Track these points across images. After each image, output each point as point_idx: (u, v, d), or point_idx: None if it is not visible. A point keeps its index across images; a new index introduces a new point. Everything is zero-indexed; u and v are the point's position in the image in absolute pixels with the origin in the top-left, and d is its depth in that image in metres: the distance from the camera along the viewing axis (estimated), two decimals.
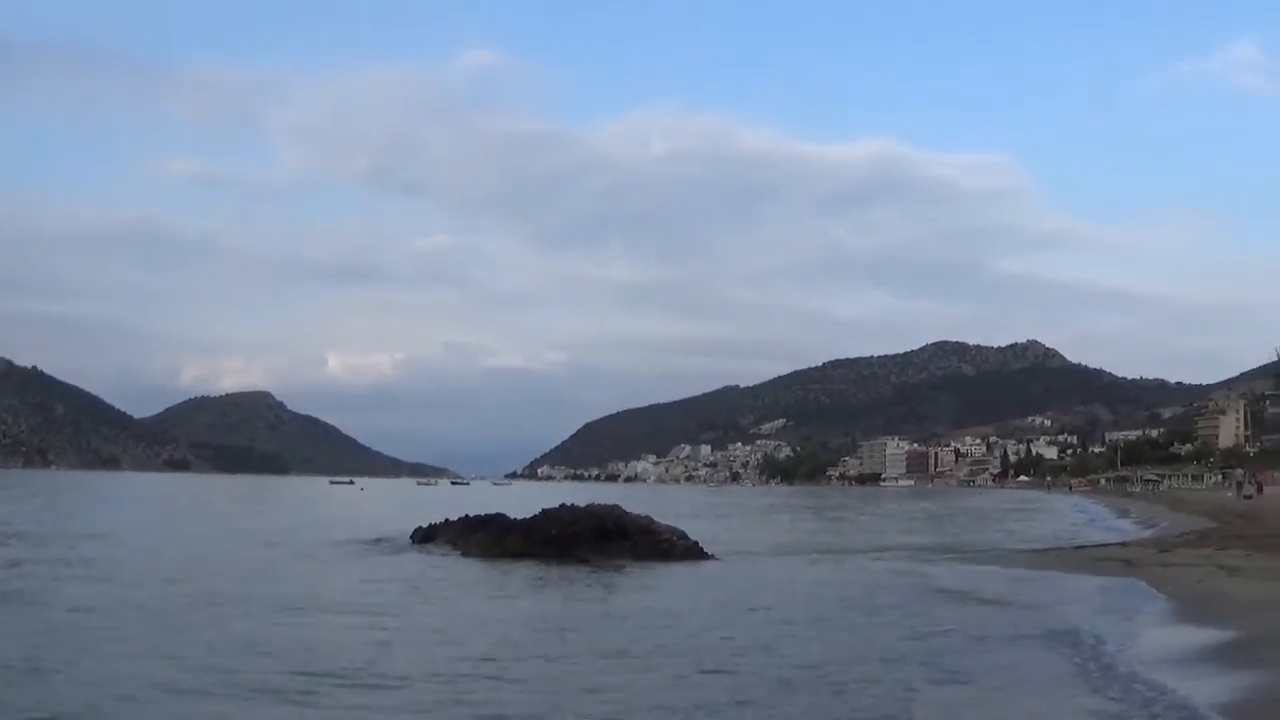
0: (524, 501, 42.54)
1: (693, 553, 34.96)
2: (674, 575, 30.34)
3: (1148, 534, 47.10)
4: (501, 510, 41.04)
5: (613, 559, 33.08)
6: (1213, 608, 19.21)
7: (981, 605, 23.56)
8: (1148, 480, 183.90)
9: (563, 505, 38.29)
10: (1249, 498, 77.66)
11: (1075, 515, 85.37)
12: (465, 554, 35.87)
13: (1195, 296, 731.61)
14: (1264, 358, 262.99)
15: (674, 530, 36.56)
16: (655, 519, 37.19)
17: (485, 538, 36.91)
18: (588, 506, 37.78)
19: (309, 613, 21.84)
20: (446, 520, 41.44)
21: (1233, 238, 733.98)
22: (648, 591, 26.76)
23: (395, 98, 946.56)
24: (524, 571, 30.77)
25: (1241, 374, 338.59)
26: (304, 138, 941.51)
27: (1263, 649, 14.82)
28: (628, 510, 37.16)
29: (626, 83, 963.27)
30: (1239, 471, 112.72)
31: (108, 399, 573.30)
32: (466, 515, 41.13)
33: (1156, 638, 17.42)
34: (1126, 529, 55.87)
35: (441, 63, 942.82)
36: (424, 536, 40.81)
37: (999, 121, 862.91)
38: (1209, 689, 12.77)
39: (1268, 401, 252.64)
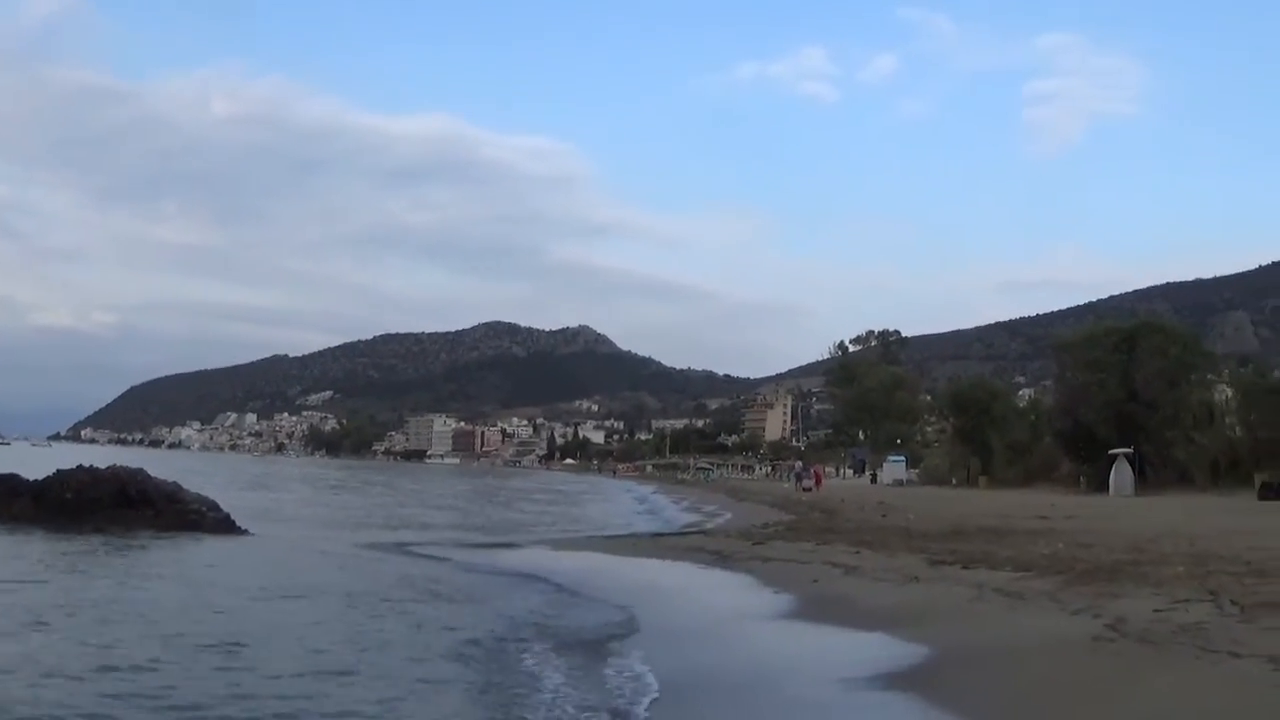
0: (60, 464, 38.43)
1: (224, 525, 32.35)
2: (199, 550, 27.80)
3: (718, 524, 46.25)
4: (36, 472, 36.37)
5: (134, 529, 30.15)
6: (847, 614, 17.33)
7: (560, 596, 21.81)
8: (701, 468, 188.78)
9: (80, 466, 34.50)
10: (808, 490, 79.23)
11: (634, 501, 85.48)
12: None
13: (746, 293, 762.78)
14: (811, 355, 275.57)
15: (204, 500, 33.81)
16: (183, 486, 34.27)
17: None
18: (109, 469, 34.02)
19: None
20: None
21: (784, 240, 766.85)
22: (158, 568, 23.98)
23: None
24: (20, 541, 27.52)
25: (790, 370, 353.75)
26: None
27: (948, 673, 12.56)
28: (155, 476, 33.93)
29: (192, 39, 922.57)
30: (798, 464, 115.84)
31: None
32: None
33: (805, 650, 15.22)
34: (694, 518, 55.03)
35: (12, 6, 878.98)
36: None
37: (562, 108, 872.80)
38: None
39: (814, 398, 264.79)
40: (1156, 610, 14.22)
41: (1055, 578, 18.58)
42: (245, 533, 32.33)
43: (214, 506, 33.57)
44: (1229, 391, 69.32)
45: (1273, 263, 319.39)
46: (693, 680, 13.56)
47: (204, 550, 27.96)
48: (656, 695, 12.57)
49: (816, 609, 18.07)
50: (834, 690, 12.35)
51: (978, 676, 12.29)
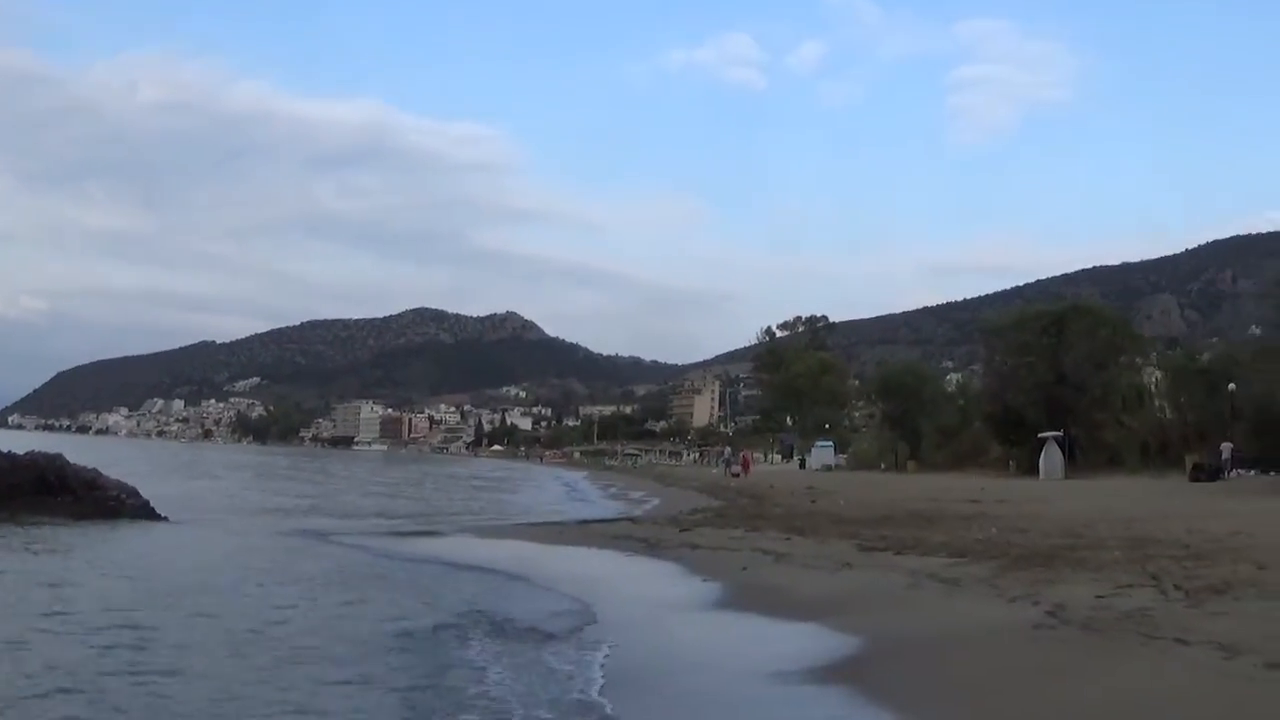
0: None
1: (143, 512, 31.87)
2: (115, 537, 27.43)
3: (646, 510, 45.91)
4: None
5: (53, 516, 29.56)
6: (778, 603, 16.80)
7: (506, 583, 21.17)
8: (629, 455, 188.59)
9: None
10: (736, 475, 79.40)
11: (562, 487, 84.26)
12: None
13: (673, 279, 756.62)
14: (739, 341, 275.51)
15: (124, 487, 33.10)
16: (103, 473, 33.47)
17: None
18: (26, 455, 33.06)
19: None
20: None
21: (713, 226, 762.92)
22: (68, 558, 23.28)
23: None
24: None
25: (717, 356, 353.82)
26: None
27: (884, 665, 12.03)
28: (75, 463, 33.05)
29: (118, 21, 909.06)
30: (727, 450, 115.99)
31: None
32: None
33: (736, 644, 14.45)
34: (622, 505, 54.63)
35: None
36: None
37: (489, 95, 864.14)
38: None
39: (742, 384, 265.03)
40: (1098, 596, 14.00)
41: (991, 563, 18.35)
42: (164, 520, 31.83)
43: (133, 493, 32.96)
44: (1158, 374, 69.84)
45: (1199, 245, 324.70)
46: (619, 678, 12.85)
47: (119, 538, 27.49)
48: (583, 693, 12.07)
49: (747, 598, 17.69)
50: (765, 685, 11.83)
51: (915, 668, 11.92)
